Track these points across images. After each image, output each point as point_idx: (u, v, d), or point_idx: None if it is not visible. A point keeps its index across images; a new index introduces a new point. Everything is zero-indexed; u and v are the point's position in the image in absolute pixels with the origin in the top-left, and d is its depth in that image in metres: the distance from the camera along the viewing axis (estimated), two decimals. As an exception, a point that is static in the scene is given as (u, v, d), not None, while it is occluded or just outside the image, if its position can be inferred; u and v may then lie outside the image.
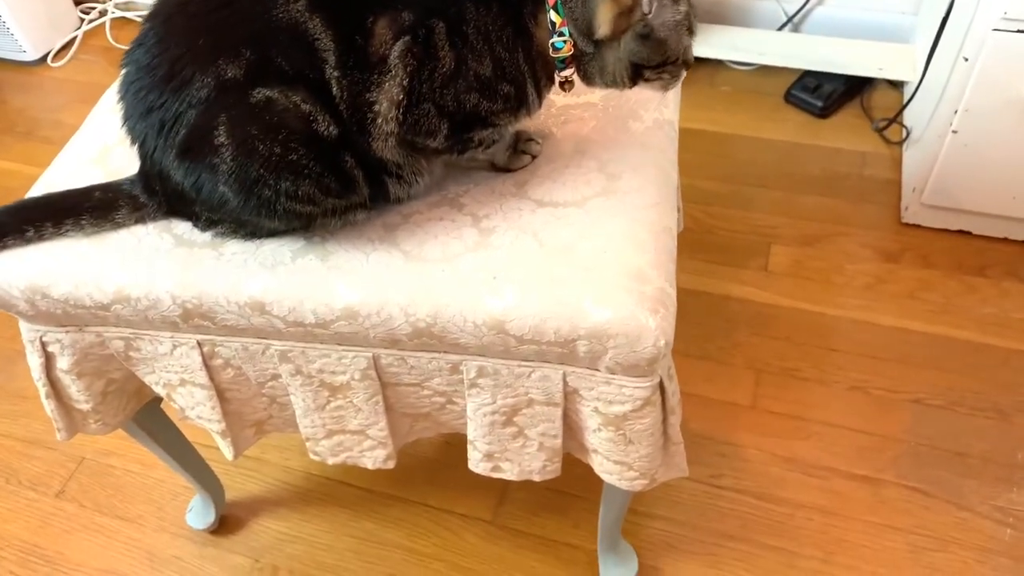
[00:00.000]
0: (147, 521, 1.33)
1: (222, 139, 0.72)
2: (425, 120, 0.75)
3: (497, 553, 1.25)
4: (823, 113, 1.83)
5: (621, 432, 0.83)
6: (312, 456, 0.98)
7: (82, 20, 2.36)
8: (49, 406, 0.94)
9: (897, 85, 1.86)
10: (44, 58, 2.28)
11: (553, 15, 0.74)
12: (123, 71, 0.76)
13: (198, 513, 1.30)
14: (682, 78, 0.81)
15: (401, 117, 0.74)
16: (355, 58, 0.71)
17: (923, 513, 1.24)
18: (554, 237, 0.79)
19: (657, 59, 0.76)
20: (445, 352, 0.81)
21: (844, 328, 1.47)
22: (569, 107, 0.93)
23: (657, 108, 0.93)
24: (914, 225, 1.61)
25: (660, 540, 1.24)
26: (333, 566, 1.26)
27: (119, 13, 2.35)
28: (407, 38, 0.71)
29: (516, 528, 1.28)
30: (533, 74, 0.77)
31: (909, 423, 1.34)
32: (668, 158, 0.89)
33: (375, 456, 0.96)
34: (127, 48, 0.77)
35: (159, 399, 1.06)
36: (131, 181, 0.84)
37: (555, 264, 0.77)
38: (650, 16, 0.73)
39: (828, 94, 1.83)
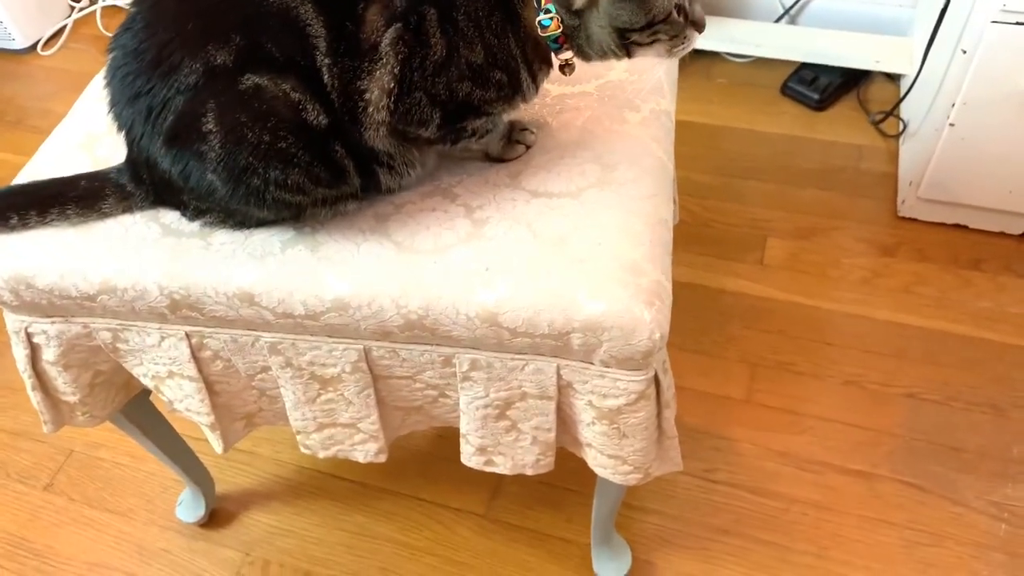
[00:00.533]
0: (137, 514, 1.32)
1: (210, 126, 0.70)
2: (417, 109, 0.73)
3: (490, 547, 1.24)
4: (819, 106, 1.82)
5: (615, 426, 0.82)
6: (303, 449, 0.97)
7: (72, 8, 2.33)
8: (35, 398, 0.93)
9: (894, 78, 1.85)
10: (34, 46, 2.26)
11: None
12: (110, 56, 0.74)
13: (188, 506, 1.29)
14: (692, 41, 0.75)
15: (392, 106, 0.72)
16: (346, 45, 0.70)
17: (918, 508, 1.24)
18: (548, 228, 0.78)
19: (642, 20, 0.72)
20: (437, 345, 0.80)
21: (839, 322, 1.47)
22: (565, 96, 0.92)
23: (654, 98, 0.92)
24: (910, 219, 1.60)
25: (654, 534, 1.24)
26: (324, 560, 1.25)
27: (110, 1, 2.32)
28: (398, 25, 0.70)
29: (509, 522, 1.27)
30: (526, 59, 0.76)
31: (904, 418, 1.33)
32: (665, 149, 0.88)
33: (367, 450, 0.95)
34: (114, 33, 0.75)
35: (148, 391, 1.04)
36: (118, 169, 0.82)
37: (549, 256, 0.76)
38: None
39: (824, 87, 1.82)
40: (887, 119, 1.75)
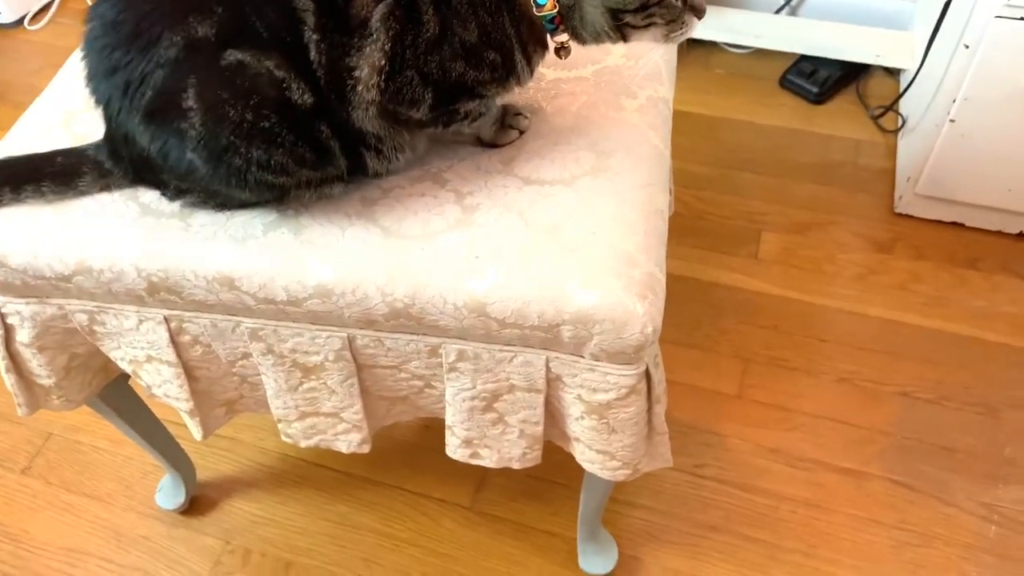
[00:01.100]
0: (115, 500, 1.30)
1: (190, 103, 0.68)
2: (408, 89, 0.71)
3: (474, 539, 1.23)
4: (818, 99, 1.80)
5: (604, 421, 0.80)
6: (284, 438, 0.94)
7: (60, -18, 2.28)
8: (9, 380, 0.90)
9: (894, 73, 1.83)
10: (20, 21, 2.21)
11: None
12: (87, 27, 0.71)
13: (167, 493, 1.26)
14: (691, 27, 0.72)
15: (383, 85, 0.70)
16: (335, 20, 0.67)
17: (908, 508, 1.22)
18: (540, 216, 0.75)
19: (635, 1, 0.69)
20: (424, 334, 0.78)
21: (833, 318, 1.45)
22: (560, 81, 0.89)
23: (652, 85, 0.89)
24: (907, 215, 1.58)
25: (641, 530, 1.22)
26: (307, 550, 1.23)
27: (99, -24, 2.27)
28: (390, 0, 0.67)
29: (494, 514, 1.25)
30: (520, 40, 0.73)
31: (896, 416, 1.32)
32: (661, 137, 0.85)
33: (349, 440, 0.92)
34: (93, 2, 0.72)
35: (127, 375, 1.02)
36: (96, 146, 0.79)
37: (540, 245, 0.73)
38: None
39: (824, 80, 1.80)
40: (886, 114, 1.73)
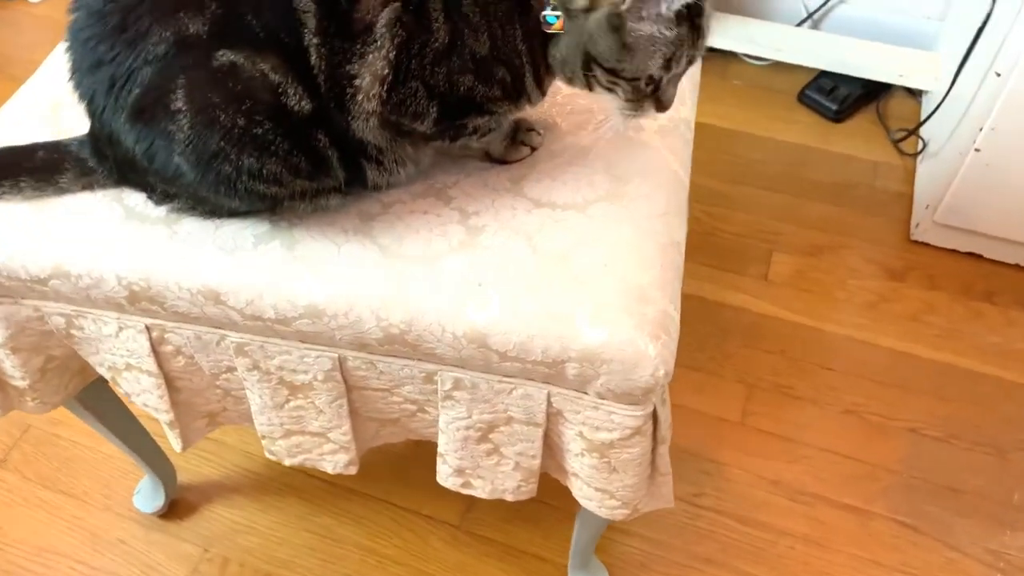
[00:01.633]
0: (93, 499, 1.25)
1: (179, 104, 0.63)
2: (412, 100, 0.66)
3: (461, 560, 1.18)
4: (837, 117, 1.75)
5: (606, 460, 0.76)
6: (268, 455, 0.90)
7: (65, -45, 2.22)
8: (-19, 380, 0.86)
9: (915, 94, 1.78)
10: (22, -8, 2.15)
11: None
12: (72, 16, 0.66)
13: (146, 496, 1.22)
14: (646, 114, 0.70)
15: (385, 95, 0.65)
16: (338, 23, 0.62)
17: (911, 550, 1.18)
18: (550, 243, 0.71)
19: (611, 62, 0.65)
20: (419, 360, 0.73)
21: (842, 346, 1.40)
22: (576, 96, 0.84)
23: (674, 105, 0.84)
24: (923, 243, 1.54)
25: (634, 559, 1.18)
26: (287, 562, 1.19)
27: (105, -50, 2.21)
28: (397, 4, 0.62)
29: (483, 535, 1.21)
30: (532, 58, 0.68)
31: (903, 453, 1.28)
32: (681, 161, 0.81)
33: (336, 460, 0.88)
34: (79, -10, 0.67)
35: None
36: (80, 142, 0.75)
37: (548, 274, 0.69)
38: (623, 7, 0.62)
39: (844, 97, 1.75)
40: (909, 137, 1.68)
